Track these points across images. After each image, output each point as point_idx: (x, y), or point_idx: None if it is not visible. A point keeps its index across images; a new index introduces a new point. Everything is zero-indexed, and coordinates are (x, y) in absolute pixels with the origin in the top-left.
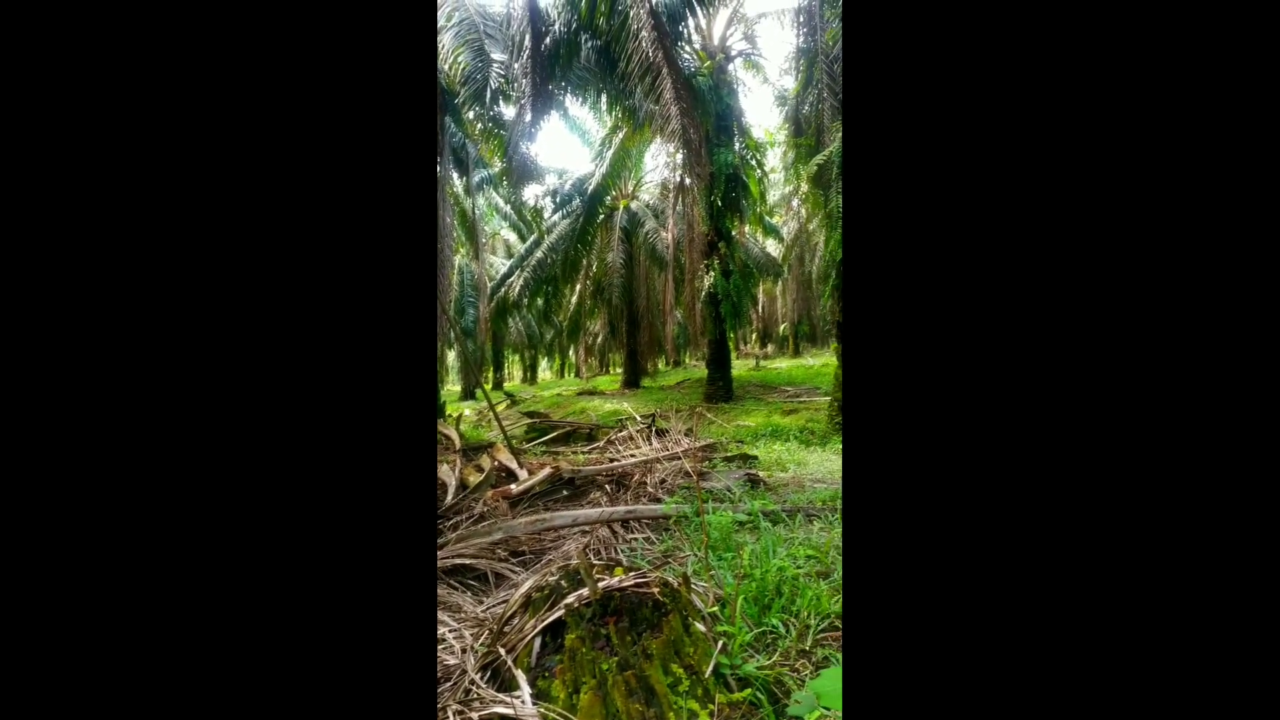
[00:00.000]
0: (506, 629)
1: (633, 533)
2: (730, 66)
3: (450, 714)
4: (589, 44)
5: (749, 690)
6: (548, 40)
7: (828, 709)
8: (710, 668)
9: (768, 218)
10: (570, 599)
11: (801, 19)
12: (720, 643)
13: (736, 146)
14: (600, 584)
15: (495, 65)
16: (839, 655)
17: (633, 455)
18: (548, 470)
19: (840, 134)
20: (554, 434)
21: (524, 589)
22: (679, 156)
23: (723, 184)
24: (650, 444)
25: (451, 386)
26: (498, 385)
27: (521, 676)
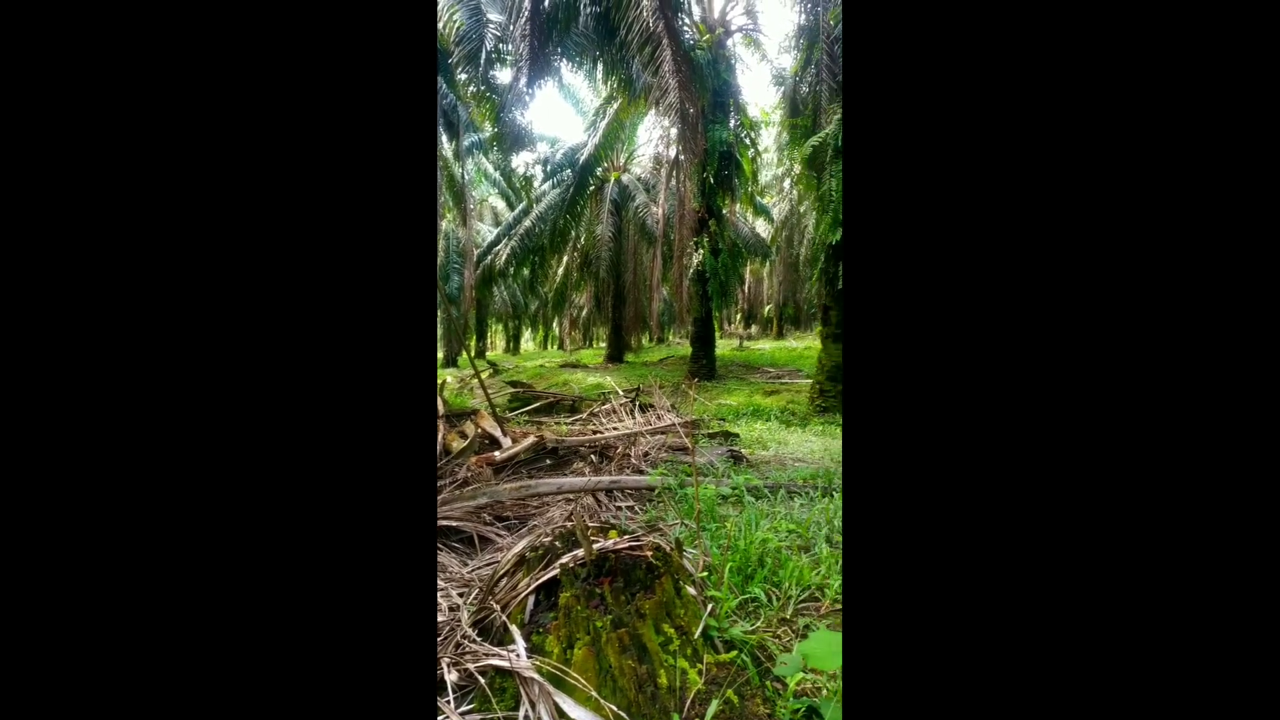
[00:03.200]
0: (498, 587)
1: (616, 502)
2: (729, 42)
3: (444, 666)
4: (588, 9)
5: (735, 653)
6: (546, 3)
7: (811, 671)
8: (699, 629)
9: (759, 198)
10: (565, 559)
11: None
12: (709, 606)
13: (732, 124)
14: (595, 545)
15: (491, 27)
16: (819, 624)
17: (615, 428)
18: (532, 439)
19: (838, 116)
20: (537, 404)
21: (517, 548)
22: (674, 130)
23: (716, 161)
24: (633, 418)
25: None
26: (480, 354)
27: (516, 631)
